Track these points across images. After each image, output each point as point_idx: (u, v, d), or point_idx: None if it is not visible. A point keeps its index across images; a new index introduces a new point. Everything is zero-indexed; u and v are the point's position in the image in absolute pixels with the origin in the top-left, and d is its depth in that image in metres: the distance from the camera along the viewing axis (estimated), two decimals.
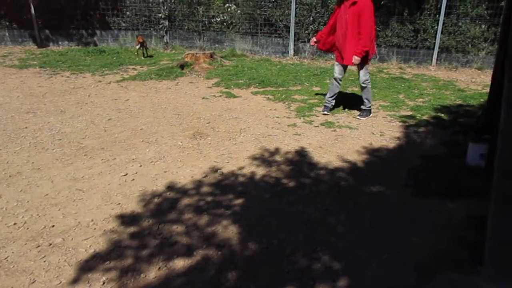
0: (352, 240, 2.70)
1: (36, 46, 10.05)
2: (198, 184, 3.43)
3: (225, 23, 9.87)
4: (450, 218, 2.96)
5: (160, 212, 2.99)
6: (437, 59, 8.62)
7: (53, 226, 2.79)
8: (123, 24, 10.32)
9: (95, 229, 2.77)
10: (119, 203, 3.10)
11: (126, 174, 3.59)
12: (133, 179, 3.50)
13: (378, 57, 8.78)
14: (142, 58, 8.91)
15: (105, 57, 8.97)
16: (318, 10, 8.96)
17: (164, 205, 3.09)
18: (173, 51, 9.92)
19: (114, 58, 8.94)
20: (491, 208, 2.07)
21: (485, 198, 3.06)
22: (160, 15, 10.04)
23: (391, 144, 4.43)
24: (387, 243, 2.66)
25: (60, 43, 10.34)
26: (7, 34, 10.08)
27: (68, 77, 7.22)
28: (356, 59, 4.86)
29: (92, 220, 2.86)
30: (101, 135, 4.50)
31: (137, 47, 8.87)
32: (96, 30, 10.39)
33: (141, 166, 3.76)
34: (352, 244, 2.65)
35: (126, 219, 2.89)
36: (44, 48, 9.96)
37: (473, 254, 2.51)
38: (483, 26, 8.27)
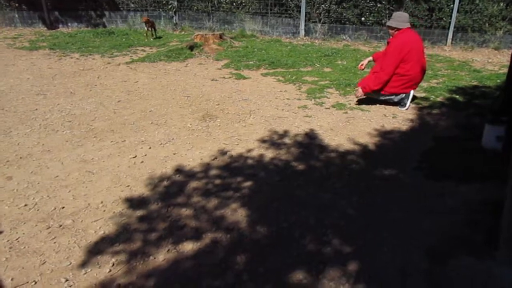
0: (363, 223, 2.65)
1: (45, 28, 10.04)
2: (207, 166, 3.40)
3: (234, 3, 9.70)
4: (464, 201, 2.89)
5: (169, 194, 2.98)
6: (452, 39, 8.39)
7: (63, 207, 2.80)
8: (132, 5, 10.23)
9: (104, 211, 2.77)
10: (128, 185, 3.10)
11: (136, 156, 3.58)
12: (142, 161, 3.49)
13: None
14: (151, 39, 8.84)
15: (114, 39, 8.92)
16: None
17: (173, 187, 3.07)
18: (182, 32, 9.81)
19: (123, 39, 8.88)
20: (508, 191, 2.01)
21: (501, 181, 2.99)
22: None
23: (404, 126, 4.33)
24: (399, 226, 2.62)
25: (69, 24, 10.31)
26: (16, 15, 10.07)
27: (77, 58, 7.20)
28: (359, 92, 4.85)
29: (101, 202, 2.87)
30: (111, 117, 4.49)
31: (146, 28, 8.80)
32: (105, 11, 10.32)
33: (150, 148, 3.74)
34: (363, 228, 2.61)
35: (135, 202, 2.88)
36: (53, 30, 9.94)
37: (487, 238, 2.45)
38: (501, 4, 7.98)
